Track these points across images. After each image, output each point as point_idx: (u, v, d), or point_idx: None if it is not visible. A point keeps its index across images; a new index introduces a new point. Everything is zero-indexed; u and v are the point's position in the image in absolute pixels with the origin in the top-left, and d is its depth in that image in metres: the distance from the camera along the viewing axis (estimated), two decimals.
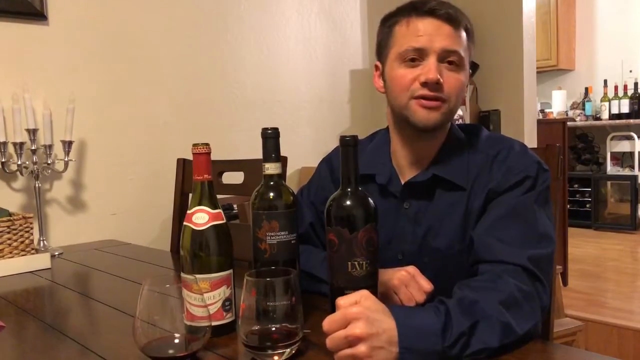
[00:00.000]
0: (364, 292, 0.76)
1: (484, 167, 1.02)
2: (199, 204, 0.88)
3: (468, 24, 1.03)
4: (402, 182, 1.08)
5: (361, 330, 0.70)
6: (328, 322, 0.74)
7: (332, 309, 0.88)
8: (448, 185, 1.04)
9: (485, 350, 0.76)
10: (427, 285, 0.93)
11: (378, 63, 1.11)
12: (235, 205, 2.10)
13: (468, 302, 0.80)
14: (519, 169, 0.99)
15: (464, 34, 1.01)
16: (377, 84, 1.11)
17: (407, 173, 1.09)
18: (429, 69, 0.98)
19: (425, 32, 0.99)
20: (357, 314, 0.72)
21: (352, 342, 0.71)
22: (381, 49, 1.08)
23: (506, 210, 0.96)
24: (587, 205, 5.21)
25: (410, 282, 0.93)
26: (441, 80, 0.98)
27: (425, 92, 0.99)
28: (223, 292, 0.87)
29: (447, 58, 0.99)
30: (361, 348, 0.70)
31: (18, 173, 1.79)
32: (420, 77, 0.99)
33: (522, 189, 0.97)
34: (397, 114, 1.06)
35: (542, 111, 5.55)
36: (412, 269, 0.94)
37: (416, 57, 1.00)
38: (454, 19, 1.00)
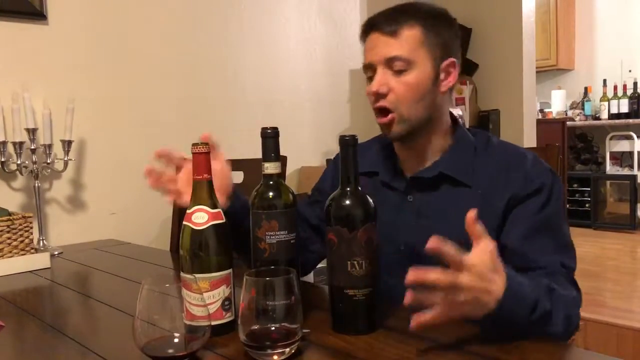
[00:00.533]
0: (473, 268, 0.77)
1: (499, 170, 1.05)
2: (199, 204, 0.88)
3: (422, 17, 1.04)
4: (408, 176, 1.11)
5: (467, 293, 0.76)
6: (435, 273, 0.77)
7: (333, 308, 0.89)
8: (454, 182, 1.07)
9: (549, 315, 0.85)
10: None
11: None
12: None
13: (549, 290, 0.87)
14: (536, 176, 1.02)
15: (412, 32, 1.03)
16: None
17: (412, 169, 1.12)
18: (372, 82, 1.05)
19: (369, 47, 1.07)
20: (470, 282, 0.76)
21: (455, 293, 0.75)
22: None
23: (536, 223, 1.00)
24: (587, 205, 5.21)
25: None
26: (383, 91, 1.03)
27: (374, 104, 1.06)
28: (222, 291, 0.87)
29: (393, 66, 1.03)
30: (465, 278, 0.75)
31: (18, 172, 1.79)
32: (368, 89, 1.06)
33: (542, 198, 1.01)
34: None
35: (541, 111, 5.55)
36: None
37: (371, 74, 1.07)
38: (390, 28, 1.03)
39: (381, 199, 1.10)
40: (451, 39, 1.07)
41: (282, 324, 0.74)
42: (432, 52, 1.04)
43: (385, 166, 1.14)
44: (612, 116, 5.29)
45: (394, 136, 1.06)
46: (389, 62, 1.03)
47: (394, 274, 1.08)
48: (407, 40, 1.03)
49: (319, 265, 1.39)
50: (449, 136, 1.11)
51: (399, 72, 1.03)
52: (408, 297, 0.76)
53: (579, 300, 0.96)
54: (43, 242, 1.77)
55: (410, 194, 1.10)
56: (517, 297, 0.80)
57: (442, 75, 1.06)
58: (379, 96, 1.04)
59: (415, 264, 1.07)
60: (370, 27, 1.06)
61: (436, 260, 1.05)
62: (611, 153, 5.28)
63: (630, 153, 5.15)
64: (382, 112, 1.05)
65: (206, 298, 0.84)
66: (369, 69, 1.07)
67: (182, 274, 0.86)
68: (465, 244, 1.03)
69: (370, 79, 1.07)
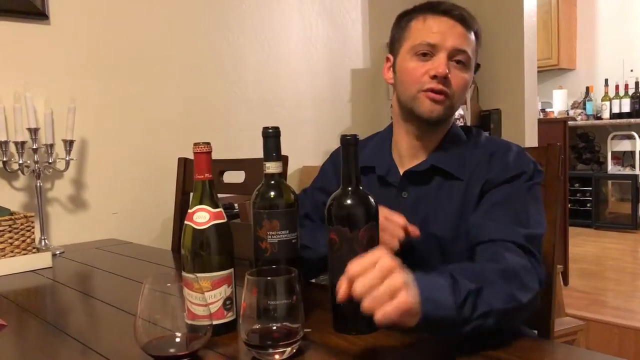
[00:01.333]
0: (379, 252, 0.75)
1: (482, 160, 1.07)
2: (200, 203, 0.88)
3: (478, 28, 1.10)
4: (402, 172, 1.12)
5: (391, 263, 0.72)
6: (355, 264, 0.73)
7: (333, 307, 0.89)
8: (445, 175, 1.08)
9: (492, 313, 0.78)
10: (400, 220, 0.98)
11: (390, 55, 1.16)
12: (236, 205, 2.10)
13: (471, 270, 0.83)
14: (517, 165, 1.04)
15: (473, 37, 1.08)
16: (387, 75, 1.17)
17: (406, 164, 1.13)
18: (439, 63, 1.04)
19: (439, 29, 1.05)
20: (381, 254, 0.73)
21: (386, 274, 0.71)
22: (394, 42, 1.14)
23: (500, 198, 1.02)
24: (588, 205, 5.20)
25: (386, 226, 0.96)
26: (449, 76, 1.04)
27: (433, 85, 1.05)
28: (224, 291, 0.87)
29: (456, 57, 1.05)
30: (397, 279, 0.70)
31: (19, 172, 1.80)
32: (431, 71, 1.04)
33: (518, 182, 1.03)
34: (404, 104, 1.11)
35: (543, 110, 5.55)
36: (385, 211, 0.96)
37: (428, 52, 1.05)
38: (466, 21, 1.06)
39: (377, 195, 1.12)
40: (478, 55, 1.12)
41: (284, 323, 0.75)
42: (474, 62, 1.10)
43: (381, 161, 1.15)
44: (613, 116, 5.28)
45: (437, 115, 1.06)
46: (455, 53, 1.05)
47: None
48: (472, 42, 1.07)
49: None
50: (442, 131, 1.13)
51: (461, 66, 1.06)
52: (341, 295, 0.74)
53: (534, 265, 0.92)
54: (45, 242, 1.78)
55: (404, 190, 1.11)
56: (429, 284, 0.76)
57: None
58: (445, 80, 1.04)
59: (410, 261, 1.08)
60: (438, 10, 1.06)
61: (431, 254, 1.06)
62: (613, 153, 5.28)
63: (632, 153, 5.15)
64: (439, 93, 1.05)
65: (207, 297, 0.84)
66: (429, 47, 1.05)
67: (183, 273, 0.86)
68: (457, 238, 1.05)
69: (422, 57, 1.06)
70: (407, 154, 1.13)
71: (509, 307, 0.80)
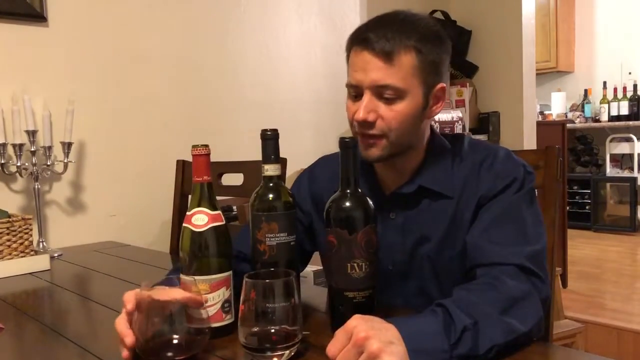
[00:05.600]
0: (354, 315, 0.73)
1: (471, 174, 1.02)
2: (199, 206, 0.88)
3: (418, 40, 0.96)
4: (387, 193, 1.08)
5: (366, 331, 0.69)
6: (332, 345, 0.71)
7: (332, 309, 0.89)
8: (434, 195, 1.04)
9: (494, 347, 0.76)
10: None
11: None
12: (234, 207, 2.10)
13: (467, 303, 0.79)
14: (506, 173, 1.00)
15: (407, 58, 0.95)
16: None
17: (391, 185, 1.08)
18: (359, 108, 0.97)
19: (358, 67, 0.97)
20: (356, 322, 0.71)
21: (362, 345, 0.68)
22: None
23: (496, 213, 0.97)
24: (587, 207, 5.21)
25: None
26: (371, 119, 0.96)
27: (359, 129, 0.99)
28: (222, 293, 0.87)
29: (382, 93, 0.96)
30: (373, 345, 0.67)
31: (17, 174, 1.79)
32: (355, 114, 0.98)
33: (511, 191, 0.99)
34: None
35: (541, 113, 5.56)
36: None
37: (356, 93, 0.99)
38: (385, 52, 0.94)
39: None
40: (443, 61, 1.00)
41: (282, 326, 0.74)
42: (424, 79, 0.98)
43: (364, 183, 1.04)
44: (612, 118, 5.29)
45: (374, 158, 1.01)
46: (380, 89, 0.96)
47: (385, 294, 1.07)
48: (402, 67, 0.95)
49: (319, 267, 1.39)
50: (425, 147, 1.07)
51: (388, 100, 0.96)
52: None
53: (539, 286, 0.89)
54: (43, 244, 1.77)
55: (392, 211, 1.06)
56: (416, 332, 0.73)
57: (431, 102, 1.01)
58: (366, 124, 0.97)
59: (404, 283, 1.07)
60: (362, 43, 0.97)
61: (425, 276, 1.04)
62: (611, 155, 5.29)
63: (630, 155, 5.16)
64: (369, 137, 0.99)
65: (206, 300, 0.84)
66: (354, 88, 0.99)
67: (182, 275, 0.86)
68: (451, 258, 1.02)
69: (354, 97, 1.00)
70: (390, 174, 1.08)
71: (509, 338, 0.78)
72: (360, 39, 0.97)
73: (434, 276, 1.04)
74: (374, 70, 0.95)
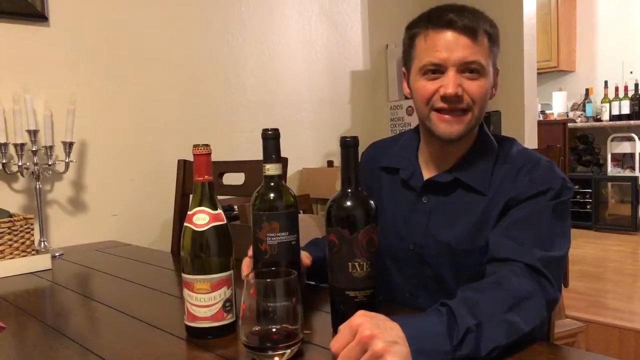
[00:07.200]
0: (359, 311, 0.74)
1: (508, 176, 1.04)
2: (200, 205, 0.88)
3: (489, 27, 1.04)
4: (425, 179, 1.11)
5: (371, 330, 0.69)
6: (336, 340, 0.72)
7: (334, 309, 0.89)
8: (468, 189, 1.06)
9: (496, 349, 0.76)
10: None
11: (404, 70, 1.14)
12: (235, 206, 2.10)
13: (471, 303, 0.80)
14: (543, 180, 1.00)
15: (484, 40, 1.03)
16: (405, 90, 1.15)
17: (431, 169, 1.12)
18: (448, 83, 1.01)
19: (442, 46, 1.01)
20: (361, 320, 0.71)
21: (366, 343, 0.68)
22: (405, 58, 1.12)
23: (524, 215, 0.98)
24: (588, 207, 5.20)
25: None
26: (460, 93, 1.01)
27: (444, 105, 1.03)
28: (224, 292, 0.87)
29: (467, 69, 1.01)
30: (378, 344, 0.67)
31: (19, 174, 1.80)
32: (440, 90, 1.02)
33: (544, 199, 0.99)
34: (421, 122, 1.10)
35: (542, 112, 5.55)
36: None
37: (436, 70, 1.03)
38: (471, 30, 1.01)
39: (398, 196, 1.13)
40: (499, 52, 1.08)
41: (283, 325, 0.74)
42: (493, 61, 1.06)
43: (406, 165, 1.15)
44: (613, 117, 5.28)
45: (457, 135, 1.04)
46: (465, 65, 1.01)
47: (402, 272, 1.11)
48: (483, 46, 1.02)
49: None
50: (471, 139, 1.10)
51: (475, 75, 1.02)
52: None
53: (547, 287, 0.90)
54: (44, 244, 1.77)
55: (425, 195, 1.10)
56: (420, 332, 0.73)
57: (494, 84, 1.08)
58: (456, 98, 1.01)
59: (421, 266, 1.08)
60: (443, 23, 1.01)
61: (440, 262, 1.06)
62: (612, 154, 5.27)
63: (632, 154, 5.14)
64: (459, 112, 1.03)
65: (207, 299, 0.84)
66: (435, 66, 1.02)
67: (183, 275, 0.86)
68: (472, 251, 1.03)
69: (431, 77, 1.03)
70: (432, 160, 1.12)
71: (512, 338, 0.78)
72: (442, 20, 1.02)
73: (451, 265, 1.05)
74: (461, 47, 1.00)
